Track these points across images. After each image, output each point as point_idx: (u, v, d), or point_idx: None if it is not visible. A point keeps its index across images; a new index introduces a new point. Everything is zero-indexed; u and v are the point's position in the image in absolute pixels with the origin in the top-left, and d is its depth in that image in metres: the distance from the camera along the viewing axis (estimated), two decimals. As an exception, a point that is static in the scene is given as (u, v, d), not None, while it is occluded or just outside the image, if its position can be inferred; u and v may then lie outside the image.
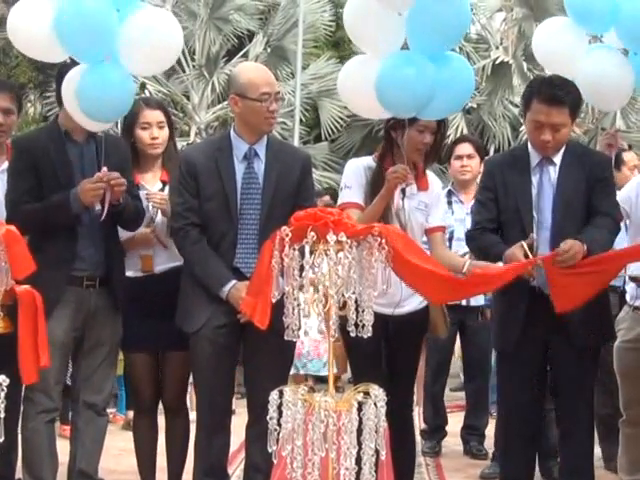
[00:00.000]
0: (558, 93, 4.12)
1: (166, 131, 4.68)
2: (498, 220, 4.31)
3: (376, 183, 4.32)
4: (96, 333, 4.33)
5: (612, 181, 4.36)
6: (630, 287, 4.70)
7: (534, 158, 4.27)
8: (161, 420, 4.74)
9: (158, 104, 4.89)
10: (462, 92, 4.36)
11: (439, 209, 4.57)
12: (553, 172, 4.25)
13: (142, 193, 4.55)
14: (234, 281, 4.09)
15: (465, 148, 6.19)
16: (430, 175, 4.57)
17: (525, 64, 13.53)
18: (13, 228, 3.69)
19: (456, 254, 5.50)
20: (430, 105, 4.16)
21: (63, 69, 4.23)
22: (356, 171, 4.43)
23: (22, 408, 4.29)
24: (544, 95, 4.12)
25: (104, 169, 4.16)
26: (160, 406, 4.73)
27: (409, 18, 4.10)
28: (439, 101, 4.17)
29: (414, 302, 4.34)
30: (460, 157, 6.18)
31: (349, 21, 4.31)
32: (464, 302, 5.90)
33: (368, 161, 4.48)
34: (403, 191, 4.31)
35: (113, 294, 4.35)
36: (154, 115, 4.65)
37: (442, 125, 4.45)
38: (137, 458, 4.73)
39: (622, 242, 4.62)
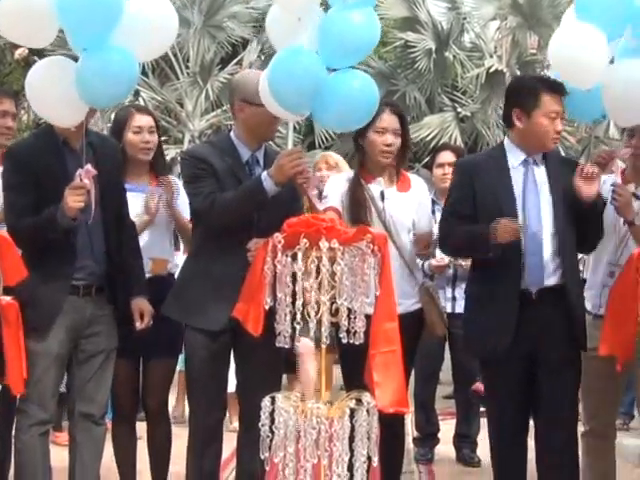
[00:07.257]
0: (562, 83, 4.17)
1: (156, 137, 4.72)
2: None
3: (353, 192, 4.38)
4: (92, 342, 4.22)
5: None
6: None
7: (516, 158, 4.24)
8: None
9: (147, 110, 4.99)
10: (363, 108, 4.03)
11: (424, 214, 4.55)
12: (538, 172, 4.22)
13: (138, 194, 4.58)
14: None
15: (447, 156, 6.12)
16: (413, 178, 4.60)
17: (519, 72, 13.55)
18: (5, 234, 3.68)
19: (442, 260, 5.75)
20: (327, 111, 3.95)
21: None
22: (335, 181, 4.55)
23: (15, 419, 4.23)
24: (554, 86, 4.16)
25: (87, 166, 3.91)
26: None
27: (319, 30, 3.89)
28: (335, 112, 3.94)
29: (407, 303, 4.32)
30: (442, 165, 6.11)
31: None
32: (449, 309, 5.80)
33: (351, 174, 4.55)
34: (382, 194, 4.37)
35: (112, 301, 4.25)
36: (146, 120, 4.69)
37: (405, 123, 4.43)
38: (118, 466, 4.68)
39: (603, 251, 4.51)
